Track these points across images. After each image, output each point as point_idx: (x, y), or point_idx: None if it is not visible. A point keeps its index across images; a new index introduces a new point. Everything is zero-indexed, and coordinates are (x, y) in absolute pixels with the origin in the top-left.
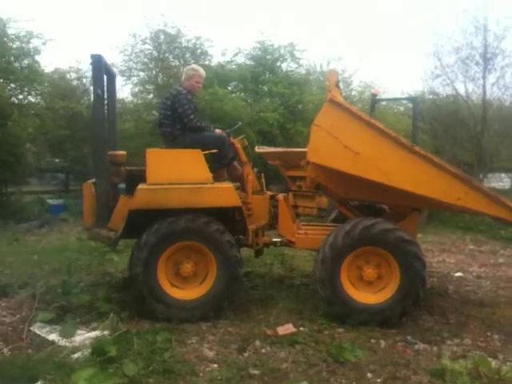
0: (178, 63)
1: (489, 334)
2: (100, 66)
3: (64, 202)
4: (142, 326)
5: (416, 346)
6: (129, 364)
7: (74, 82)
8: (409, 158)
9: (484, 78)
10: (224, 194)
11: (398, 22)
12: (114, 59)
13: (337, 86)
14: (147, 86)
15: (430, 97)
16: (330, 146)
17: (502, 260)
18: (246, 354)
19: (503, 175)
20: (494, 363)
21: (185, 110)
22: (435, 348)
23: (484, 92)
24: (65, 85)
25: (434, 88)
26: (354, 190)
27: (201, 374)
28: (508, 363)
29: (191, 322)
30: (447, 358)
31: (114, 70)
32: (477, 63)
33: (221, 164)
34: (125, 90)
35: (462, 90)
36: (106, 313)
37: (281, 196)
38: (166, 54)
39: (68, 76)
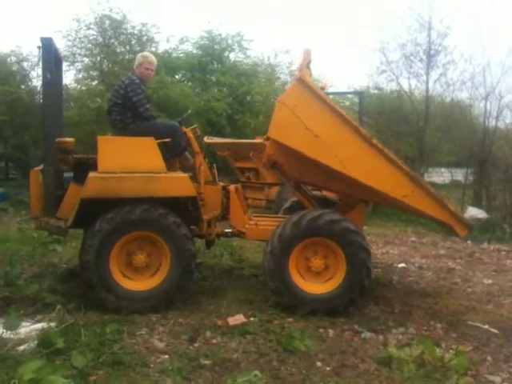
0: (123, 49)
1: (432, 323)
2: (50, 50)
3: (4, 190)
4: (90, 317)
5: (363, 335)
6: (77, 356)
7: (14, 67)
8: (366, 149)
9: (427, 74)
10: (179, 183)
11: (346, 17)
12: (57, 44)
13: (308, 66)
14: (91, 73)
15: (375, 92)
16: (291, 125)
17: (443, 252)
18: (196, 345)
19: (443, 170)
20: (437, 351)
21: (140, 100)
22: (381, 336)
23: (427, 88)
24: (5, 69)
25: (378, 83)
26: (307, 173)
27: (151, 365)
28: (451, 351)
29: (141, 313)
30: (393, 346)
31: None
32: (420, 60)
33: (173, 153)
34: (68, 76)
35: (405, 86)
36: (51, 304)
37: (232, 187)
38: (112, 40)
39: (8, 60)
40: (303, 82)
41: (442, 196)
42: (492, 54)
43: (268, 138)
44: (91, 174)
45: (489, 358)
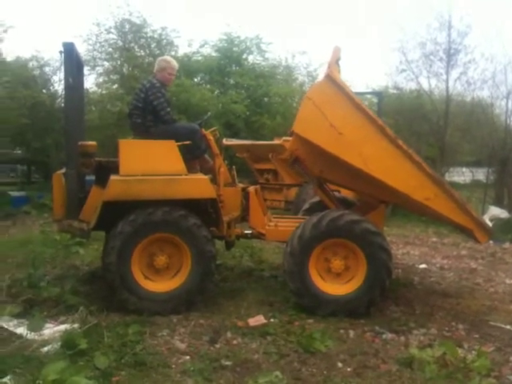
0: (143, 53)
1: (454, 323)
2: (71, 55)
3: (26, 194)
4: (112, 318)
5: (384, 336)
6: (100, 357)
7: (36, 71)
8: (390, 150)
9: (447, 73)
10: (199, 185)
11: (364, 16)
12: (78, 48)
13: (337, 63)
14: (112, 76)
15: (394, 91)
16: (316, 120)
17: (465, 252)
18: (217, 346)
19: (464, 169)
20: (459, 352)
21: (161, 103)
22: (402, 337)
23: (447, 87)
24: (27, 74)
25: (398, 83)
26: (329, 170)
27: (173, 366)
28: (473, 352)
29: (162, 314)
30: (414, 347)
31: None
32: (440, 59)
33: (193, 156)
34: (89, 80)
35: (425, 85)
36: (73, 306)
37: (252, 188)
38: (132, 44)
39: (30, 64)
40: (331, 79)
41: (465, 201)
42: None
43: (292, 133)
44: (113, 177)
45: (511, 358)
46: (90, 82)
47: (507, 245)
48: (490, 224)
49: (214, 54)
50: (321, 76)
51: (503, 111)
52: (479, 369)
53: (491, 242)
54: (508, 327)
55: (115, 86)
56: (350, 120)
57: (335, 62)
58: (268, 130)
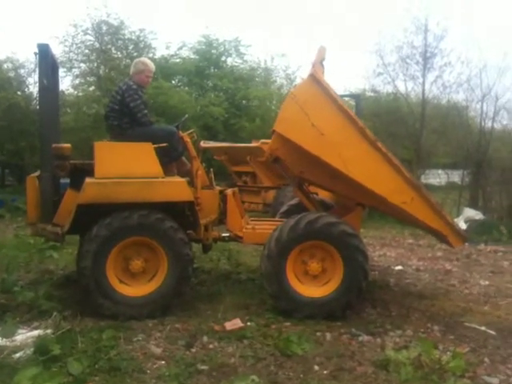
0: (120, 55)
1: (429, 325)
2: (47, 56)
3: (0, 197)
4: (86, 324)
5: (360, 338)
6: (73, 363)
7: (11, 73)
8: (370, 152)
9: (423, 76)
10: (176, 188)
11: (341, 20)
12: (54, 50)
13: (321, 63)
14: (88, 78)
15: (372, 94)
16: (298, 120)
17: (440, 254)
18: (193, 350)
19: (440, 171)
20: (434, 353)
21: (137, 105)
22: (379, 339)
23: (423, 90)
24: (1, 75)
25: (375, 86)
26: (309, 171)
27: (148, 371)
28: (448, 353)
29: (138, 319)
30: (390, 349)
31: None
32: (417, 62)
33: (170, 158)
34: (65, 82)
35: (402, 88)
36: (47, 311)
37: (229, 191)
38: (109, 46)
39: (5, 66)
40: (315, 79)
41: (441, 206)
42: (488, 56)
43: (273, 132)
44: (88, 180)
45: (486, 359)
46: (66, 83)
47: (482, 246)
48: (464, 226)
49: (192, 57)
50: (301, 77)
51: (478, 114)
52: (454, 369)
53: (466, 243)
54: (483, 328)
55: (92, 88)
56: (332, 121)
57: (320, 62)
58: (247, 132)
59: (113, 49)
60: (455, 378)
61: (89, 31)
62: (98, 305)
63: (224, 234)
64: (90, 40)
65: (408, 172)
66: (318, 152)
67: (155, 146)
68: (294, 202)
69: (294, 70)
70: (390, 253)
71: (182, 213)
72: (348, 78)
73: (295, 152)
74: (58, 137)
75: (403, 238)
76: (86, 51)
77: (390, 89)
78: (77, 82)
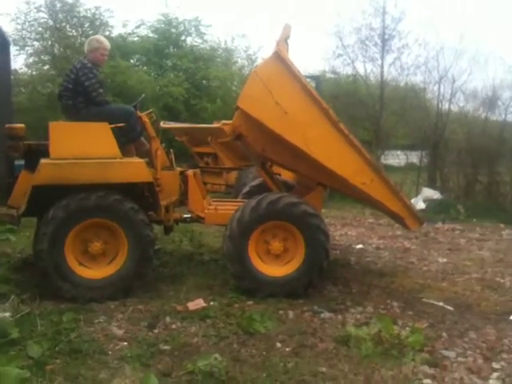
0: (75, 33)
1: (388, 301)
2: None
3: None
4: (46, 307)
5: (322, 315)
6: (33, 346)
7: None
8: (332, 133)
9: (382, 58)
10: (135, 169)
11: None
12: (5, 27)
13: (286, 41)
14: (42, 57)
15: (331, 76)
16: (262, 97)
17: (399, 232)
18: (156, 331)
19: (399, 152)
20: (394, 328)
21: (92, 84)
22: (340, 316)
23: (381, 72)
24: None
25: (335, 67)
26: (271, 149)
27: (110, 353)
28: (407, 328)
29: (99, 301)
30: (351, 326)
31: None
32: (375, 44)
33: (128, 139)
34: (18, 61)
35: (361, 70)
36: (5, 294)
37: (190, 172)
38: (63, 24)
39: None
40: (279, 57)
41: (400, 189)
42: (445, 38)
43: (236, 108)
44: (43, 161)
45: (444, 334)
46: (20, 62)
47: (440, 225)
48: (423, 205)
49: (151, 35)
50: (263, 58)
51: (435, 96)
52: (413, 344)
53: (424, 222)
54: (441, 304)
55: (46, 67)
56: (296, 100)
57: (284, 40)
58: (208, 113)
59: (67, 27)
60: (414, 353)
61: (42, 8)
62: (57, 287)
63: (185, 215)
64: (44, 17)
65: (368, 154)
66: (280, 130)
67: (112, 125)
68: (255, 182)
69: (255, 51)
70: (351, 232)
71: (142, 194)
72: (307, 59)
73: (258, 129)
74: (11, 117)
75: (364, 217)
76: (40, 29)
77: (349, 70)
78: (30, 60)
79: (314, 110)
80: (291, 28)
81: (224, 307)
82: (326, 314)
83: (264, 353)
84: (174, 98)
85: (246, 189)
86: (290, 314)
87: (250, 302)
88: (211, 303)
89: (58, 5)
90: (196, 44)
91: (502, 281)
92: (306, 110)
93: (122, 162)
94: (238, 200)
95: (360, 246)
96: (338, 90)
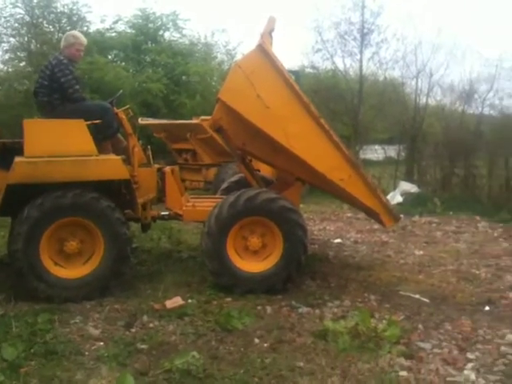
0: (52, 29)
1: (366, 295)
2: None
3: None
4: (21, 308)
5: (300, 310)
6: (7, 348)
7: None
8: (312, 128)
9: (361, 52)
10: (111, 166)
11: None
12: None
13: (270, 34)
14: (19, 53)
15: (311, 71)
16: (244, 90)
17: (377, 226)
18: (133, 330)
19: (377, 147)
20: (371, 321)
21: (68, 80)
22: (317, 311)
23: (360, 67)
24: None
25: (314, 62)
26: (251, 143)
27: (86, 353)
28: (384, 321)
29: (75, 301)
30: (329, 320)
31: None
32: (354, 38)
33: (105, 135)
34: None
35: (340, 65)
36: None
37: (168, 169)
38: (40, 20)
39: None
40: (263, 50)
41: (377, 186)
42: (423, 32)
43: (218, 100)
44: (17, 159)
45: (420, 326)
46: None
47: (417, 218)
48: (401, 198)
49: (128, 31)
50: (242, 53)
51: (413, 90)
52: (389, 337)
53: (402, 215)
54: (417, 296)
55: (22, 64)
56: (278, 94)
57: (268, 33)
58: (187, 109)
59: (44, 22)
60: (390, 345)
61: (18, 4)
62: (33, 288)
63: (163, 213)
64: (20, 13)
65: (347, 150)
66: (261, 124)
67: (88, 122)
68: (234, 178)
69: (235, 46)
70: (330, 226)
71: (119, 192)
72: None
73: (239, 122)
74: None
75: (342, 212)
76: (16, 25)
77: (328, 65)
78: (6, 57)
79: (295, 105)
80: (276, 21)
81: (202, 304)
82: (304, 309)
83: (242, 349)
84: (153, 95)
85: (224, 185)
86: (268, 309)
87: (229, 299)
88: (189, 301)
89: (35, 0)
90: (174, 39)
91: (477, 272)
92: (288, 105)
93: (98, 160)
94: (217, 196)
95: (338, 240)
96: (318, 84)
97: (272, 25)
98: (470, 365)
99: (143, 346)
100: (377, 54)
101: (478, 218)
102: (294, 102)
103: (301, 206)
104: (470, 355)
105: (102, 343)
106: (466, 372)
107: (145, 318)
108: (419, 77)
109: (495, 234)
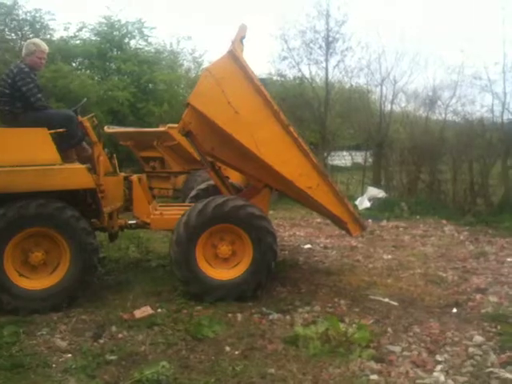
0: (15, 37)
1: (336, 299)
2: None
3: None
4: None
5: (271, 316)
6: None
7: None
8: (281, 135)
9: (326, 60)
10: (76, 175)
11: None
12: None
13: (241, 41)
14: None
15: (278, 79)
16: (214, 96)
17: None
18: (101, 341)
19: (345, 153)
20: (341, 326)
21: (30, 89)
22: (288, 317)
23: (326, 75)
24: None
25: (281, 70)
26: (220, 149)
27: (53, 365)
28: (354, 325)
29: (41, 313)
30: (299, 325)
31: None
32: (320, 47)
33: (69, 144)
34: None
35: (306, 73)
36: None
37: (135, 177)
38: (1, 27)
39: None
40: (234, 56)
41: (344, 195)
42: (386, 41)
43: (187, 105)
44: None
45: (389, 329)
46: None
47: (384, 223)
48: (368, 204)
49: (93, 38)
50: (209, 61)
51: (378, 97)
52: (359, 341)
53: (370, 220)
54: (386, 300)
55: None
56: (248, 101)
57: (239, 40)
58: (155, 117)
59: (6, 30)
60: (361, 349)
61: None
62: None
63: (131, 222)
64: None
65: (316, 158)
66: (231, 130)
67: (52, 131)
68: (202, 186)
69: (201, 54)
70: (300, 232)
71: (84, 201)
72: (253, 62)
73: (208, 127)
74: None
75: (312, 217)
76: None
77: (295, 73)
78: None
79: (265, 112)
80: (247, 28)
81: (172, 313)
82: (275, 315)
83: (213, 357)
84: (119, 103)
85: (193, 193)
86: (239, 316)
87: (199, 307)
88: (159, 310)
89: None
90: (140, 47)
91: (444, 275)
92: (258, 112)
93: (62, 169)
94: (185, 204)
95: (308, 245)
96: (285, 92)
97: (243, 32)
98: (439, 367)
99: (112, 357)
100: (342, 62)
101: (444, 221)
102: (264, 108)
103: (270, 212)
104: (438, 357)
105: (69, 355)
106: (435, 374)
107: (113, 328)
108: (384, 84)
109: (461, 238)
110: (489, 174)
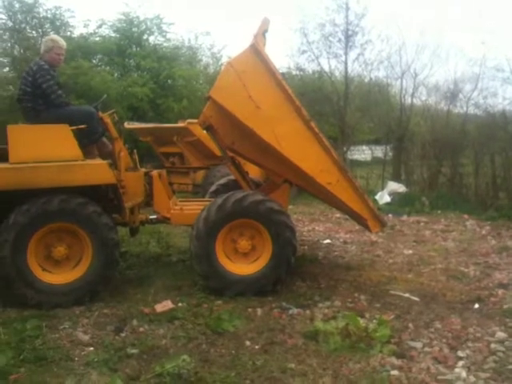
0: (35, 34)
1: (356, 295)
2: None
3: None
4: (9, 314)
5: (290, 311)
6: None
7: None
8: (303, 131)
9: (346, 54)
10: (97, 171)
11: None
12: None
13: (263, 35)
14: (2, 59)
15: (297, 73)
16: (235, 90)
17: None
18: (123, 335)
19: (364, 148)
20: (361, 322)
21: (50, 86)
22: (308, 311)
23: (346, 68)
24: None
25: (300, 64)
26: (240, 143)
27: (76, 359)
28: (374, 321)
29: (63, 307)
30: (319, 320)
31: None
32: (339, 40)
33: (90, 140)
34: None
35: (326, 66)
36: None
37: (155, 172)
38: (23, 25)
39: None
40: (256, 50)
41: (364, 191)
42: (407, 33)
43: (209, 98)
44: (1, 165)
45: (410, 325)
46: None
47: (405, 217)
48: (389, 198)
49: (112, 35)
50: (228, 56)
51: (398, 90)
52: (380, 337)
53: (390, 215)
54: (407, 295)
55: (6, 69)
56: (269, 96)
57: (262, 34)
58: (174, 113)
59: (27, 28)
60: (381, 345)
61: (0, 9)
62: (21, 294)
63: (151, 217)
64: (2, 19)
65: (336, 154)
66: (252, 124)
67: (73, 127)
68: (222, 181)
69: (220, 49)
70: (319, 227)
71: (106, 196)
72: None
73: (229, 121)
74: None
75: (331, 212)
76: None
77: (314, 67)
78: None
79: (286, 107)
80: (269, 22)
81: (192, 308)
82: (295, 310)
83: (233, 352)
84: (139, 99)
85: (212, 188)
86: (259, 311)
87: (219, 302)
88: (179, 304)
89: (17, 5)
90: (159, 43)
91: (465, 270)
92: (279, 106)
93: (84, 165)
94: (205, 199)
95: (327, 240)
96: (304, 86)
97: (265, 26)
98: (460, 363)
99: (133, 351)
100: (362, 56)
101: (465, 216)
102: (286, 103)
103: (290, 207)
104: (460, 353)
105: (91, 348)
106: (456, 370)
107: (135, 322)
108: (404, 77)
109: (483, 232)
110: (511, 167)
